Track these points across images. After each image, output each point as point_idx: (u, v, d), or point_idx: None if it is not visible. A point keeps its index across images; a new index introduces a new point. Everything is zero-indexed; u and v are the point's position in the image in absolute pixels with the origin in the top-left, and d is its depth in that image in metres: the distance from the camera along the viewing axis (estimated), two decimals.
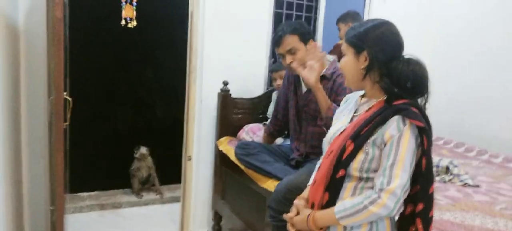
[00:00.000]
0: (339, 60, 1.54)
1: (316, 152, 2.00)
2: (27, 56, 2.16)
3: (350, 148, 1.22)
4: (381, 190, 1.17)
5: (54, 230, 1.99)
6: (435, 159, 2.33)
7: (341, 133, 1.29)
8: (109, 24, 3.35)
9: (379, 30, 1.24)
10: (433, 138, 3.15)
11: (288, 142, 2.35)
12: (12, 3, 1.92)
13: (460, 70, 3.34)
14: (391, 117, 1.18)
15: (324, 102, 1.84)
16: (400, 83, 1.20)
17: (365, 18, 3.25)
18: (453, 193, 1.98)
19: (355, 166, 1.22)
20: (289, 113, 2.17)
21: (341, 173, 1.24)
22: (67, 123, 1.81)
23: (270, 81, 2.89)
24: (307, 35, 1.97)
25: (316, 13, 3.11)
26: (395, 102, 1.20)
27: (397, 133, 1.17)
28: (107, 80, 3.74)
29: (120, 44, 3.66)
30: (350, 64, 1.28)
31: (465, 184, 2.10)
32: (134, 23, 2.45)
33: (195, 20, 2.66)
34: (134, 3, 2.41)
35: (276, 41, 1.99)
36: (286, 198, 1.73)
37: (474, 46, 3.24)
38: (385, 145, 1.19)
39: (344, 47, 1.31)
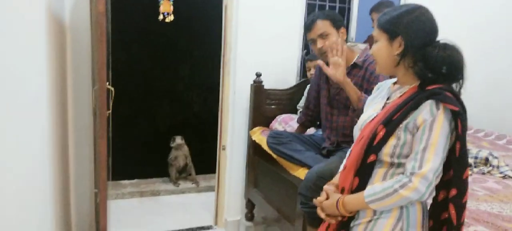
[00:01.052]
0: None
1: (347, 140, 2.00)
2: (72, 49, 2.32)
3: (381, 133, 1.21)
4: (412, 173, 1.16)
5: (98, 211, 2.13)
6: (474, 150, 2.25)
7: (373, 119, 1.29)
8: (147, 19, 3.51)
9: (413, 14, 1.22)
10: (473, 130, 3.05)
11: (320, 132, 2.37)
12: (59, 1, 2.07)
13: (501, 60, 3.18)
14: (424, 102, 1.17)
15: (354, 95, 1.84)
16: (435, 69, 1.18)
17: None
18: (491, 184, 1.92)
19: (386, 151, 1.22)
20: (321, 103, 2.18)
21: (372, 158, 1.23)
22: (110, 111, 1.93)
23: (303, 72, 2.90)
24: (338, 22, 1.97)
25: (349, 3, 3.08)
26: (428, 88, 1.19)
27: (430, 117, 1.16)
28: (146, 76, 3.92)
29: (157, 40, 3.83)
30: (384, 51, 1.27)
31: (505, 176, 2.03)
32: (172, 17, 2.54)
33: (229, 13, 2.72)
34: None
35: (308, 26, 1.99)
36: (317, 185, 1.75)
37: None
38: (417, 129, 1.18)
39: (377, 33, 1.29)
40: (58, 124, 2.01)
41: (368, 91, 1.82)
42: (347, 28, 3.03)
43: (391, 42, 1.25)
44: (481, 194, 1.78)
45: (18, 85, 1.27)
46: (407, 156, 1.21)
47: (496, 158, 2.15)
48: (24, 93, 1.35)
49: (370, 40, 2.70)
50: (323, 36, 1.95)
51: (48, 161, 1.75)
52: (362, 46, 2.12)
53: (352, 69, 1.97)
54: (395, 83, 1.33)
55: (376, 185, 1.23)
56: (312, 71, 2.64)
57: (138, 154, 3.96)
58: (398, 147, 1.21)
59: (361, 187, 1.26)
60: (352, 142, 1.44)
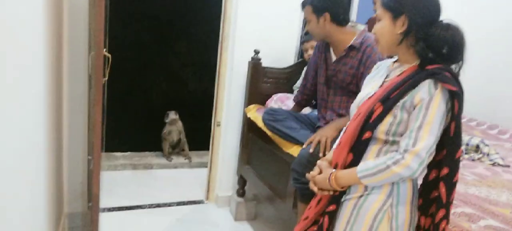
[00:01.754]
0: None
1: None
2: (69, 15, 2.28)
3: (378, 110, 1.22)
4: (405, 151, 1.18)
5: (91, 178, 2.13)
6: (465, 137, 2.28)
7: (371, 97, 1.30)
8: None
9: None
10: (466, 119, 3.08)
11: (315, 112, 2.38)
12: None
13: (495, 52, 3.20)
14: (423, 81, 1.18)
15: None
16: (436, 48, 1.19)
17: None
18: (481, 170, 1.95)
19: (382, 129, 1.23)
20: (318, 82, 2.19)
21: (367, 135, 1.25)
22: (106, 78, 1.91)
23: (301, 53, 2.89)
24: (320, 8, 1.94)
25: None
26: (428, 67, 1.20)
27: (428, 97, 1.17)
28: (142, 50, 3.88)
29: (155, 14, 3.78)
30: (387, 29, 1.27)
31: (495, 163, 2.06)
32: None
33: None
34: None
35: (301, 7, 2.04)
36: (310, 161, 1.77)
37: None
38: (414, 108, 1.19)
39: (380, 12, 1.29)
40: (53, 89, 1.99)
41: (364, 76, 1.82)
42: (348, 10, 3.02)
43: (395, 20, 1.25)
44: (470, 179, 1.81)
45: (15, 46, 1.25)
46: (402, 134, 1.22)
47: (487, 145, 2.18)
48: (21, 56, 1.33)
49: (370, 23, 2.69)
50: (307, 21, 2.01)
51: (42, 126, 1.74)
52: (362, 27, 2.11)
53: (350, 51, 1.97)
54: (395, 62, 1.34)
55: (369, 161, 1.25)
56: (310, 52, 2.63)
57: (132, 127, 3.96)
58: (394, 124, 1.22)
59: (355, 163, 1.28)
60: (348, 121, 1.45)
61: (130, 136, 3.97)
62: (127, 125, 3.91)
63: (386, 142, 1.25)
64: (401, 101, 1.20)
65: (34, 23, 1.52)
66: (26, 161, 1.52)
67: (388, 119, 1.22)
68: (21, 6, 1.32)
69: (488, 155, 2.12)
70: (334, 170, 1.34)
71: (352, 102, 1.42)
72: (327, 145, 1.82)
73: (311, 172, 1.42)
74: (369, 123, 1.24)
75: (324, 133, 1.87)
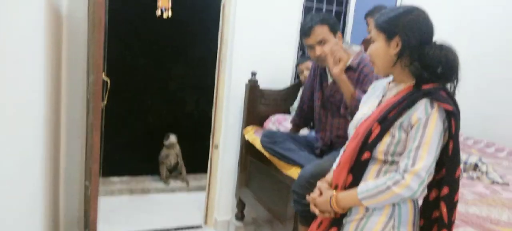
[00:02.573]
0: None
1: (340, 141, 2.01)
2: (68, 40, 2.30)
3: (376, 130, 1.23)
4: (405, 171, 1.18)
5: (88, 205, 2.11)
6: (463, 156, 2.29)
7: (368, 117, 1.30)
8: (143, 14, 3.50)
9: (411, 15, 1.25)
10: (463, 137, 3.09)
11: (313, 133, 2.38)
12: None
13: (491, 70, 3.25)
14: (419, 100, 1.19)
15: (348, 92, 1.85)
16: (431, 68, 1.21)
17: None
18: (480, 189, 1.95)
19: (381, 149, 1.23)
20: (315, 104, 2.20)
21: (366, 155, 1.25)
22: (105, 102, 1.91)
23: (297, 74, 2.92)
24: (336, 26, 1.97)
25: (346, 6, 3.11)
26: (424, 86, 1.21)
27: (424, 116, 1.18)
28: (139, 72, 3.90)
29: (152, 36, 3.82)
30: (381, 51, 1.28)
31: (493, 181, 2.06)
32: (170, 13, 2.53)
33: (227, 12, 2.73)
34: None
35: (305, 32, 1.95)
36: (310, 183, 1.76)
37: (509, 43, 3.14)
38: (411, 127, 1.19)
39: (374, 33, 1.31)
40: (51, 115, 1.99)
41: (361, 94, 1.83)
42: (343, 31, 3.08)
43: (389, 42, 1.27)
44: (470, 198, 1.80)
45: (16, 72, 1.26)
46: (400, 154, 1.22)
47: (485, 164, 2.19)
48: (21, 81, 1.34)
49: (365, 44, 2.73)
50: (322, 42, 1.92)
51: (40, 151, 1.73)
52: (357, 48, 2.14)
53: (346, 71, 1.98)
54: (391, 81, 1.35)
55: (369, 182, 1.25)
56: (305, 73, 2.66)
57: (129, 150, 3.93)
58: (392, 145, 1.22)
59: (355, 184, 1.28)
60: (345, 142, 1.46)
61: (127, 160, 3.94)
62: (124, 148, 3.89)
63: (385, 161, 1.26)
64: (399, 121, 1.21)
65: (36, 49, 1.54)
66: (25, 188, 1.50)
67: (386, 139, 1.23)
68: (24, 31, 1.33)
69: (486, 173, 2.12)
70: (334, 191, 1.33)
71: (349, 123, 1.42)
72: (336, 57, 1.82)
73: (311, 194, 1.41)
74: (368, 143, 1.25)
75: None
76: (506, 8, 3.19)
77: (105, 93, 1.94)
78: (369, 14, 2.92)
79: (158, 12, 2.53)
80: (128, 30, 3.71)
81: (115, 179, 3.87)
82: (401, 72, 1.29)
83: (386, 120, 1.23)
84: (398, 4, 3.25)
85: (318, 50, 1.94)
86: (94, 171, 1.94)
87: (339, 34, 1.98)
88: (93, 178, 1.96)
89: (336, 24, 1.99)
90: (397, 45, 1.25)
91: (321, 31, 1.92)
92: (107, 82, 1.94)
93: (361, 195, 1.24)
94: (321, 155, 2.10)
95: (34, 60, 1.52)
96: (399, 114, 1.21)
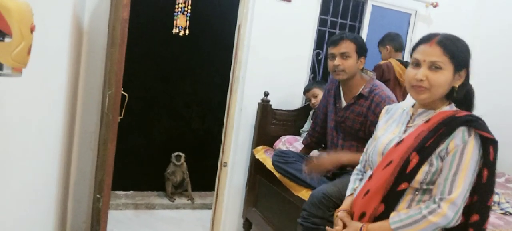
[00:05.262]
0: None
1: (352, 164, 2.02)
2: (87, 54, 2.34)
3: (414, 160, 1.20)
4: (441, 199, 1.16)
5: (98, 217, 2.10)
6: None
7: (398, 143, 1.26)
8: (158, 32, 3.56)
9: (469, 48, 1.26)
10: None
11: (324, 155, 2.38)
12: (81, 5, 2.11)
13: (499, 99, 3.26)
14: (458, 128, 1.18)
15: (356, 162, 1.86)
16: (470, 98, 1.27)
17: (409, 40, 3.26)
18: (493, 219, 1.94)
19: (418, 179, 1.20)
20: (328, 126, 2.21)
21: (403, 186, 1.22)
22: (121, 116, 1.94)
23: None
24: (362, 50, 2.01)
25: (358, 33, 3.16)
26: (459, 114, 1.21)
27: (462, 144, 1.17)
28: (147, 88, 3.93)
29: (163, 54, 3.87)
30: (447, 81, 1.22)
31: (506, 212, 2.05)
32: (187, 32, 2.59)
33: (242, 33, 2.78)
34: (188, 14, 2.56)
35: (335, 41, 2.02)
36: (322, 202, 1.77)
37: None
38: (447, 154, 1.18)
39: (443, 60, 1.21)
40: (67, 128, 2.01)
41: (373, 123, 1.84)
42: None
43: (457, 73, 1.24)
44: None
45: (43, 89, 1.28)
46: (435, 183, 1.20)
47: (497, 194, 2.18)
48: (46, 97, 1.36)
49: (377, 70, 2.76)
50: (344, 56, 1.98)
51: (56, 162, 1.74)
52: (371, 74, 2.17)
53: (358, 99, 2.01)
54: (413, 106, 1.34)
55: (402, 212, 1.21)
56: (313, 100, 2.69)
57: (134, 165, 3.93)
58: (430, 173, 1.20)
59: (386, 213, 1.24)
60: (356, 166, 1.46)
61: (133, 175, 3.93)
62: (130, 163, 3.89)
63: (418, 190, 1.22)
64: (438, 150, 1.19)
65: (60, 67, 1.57)
66: (37, 198, 1.51)
67: (424, 168, 1.20)
68: (52, 51, 1.36)
69: (498, 203, 2.12)
70: (361, 223, 1.28)
71: (362, 147, 1.42)
72: (325, 165, 1.94)
73: (335, 228, 1.35)
74: (406, 173, 1.21)
75: (340, 157, 1.95)
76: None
77: (122, 108, 1.96)
78: (379, 42, 2.97)
79: (175, 30, 2.58)
80: (136, 44, 3.75)
81: (120, 193, 3.86)
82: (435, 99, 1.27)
83: (424, 148, 1.20)
84: (410, 29, 3.29)
85: (338, 60, 2.00)
86: (107, 184, 1.95)
87: (362, 59, 2.02)
88: (105, 191, 1.97)
89: (365, 49, 2.03)
90: (461, 77, 1.25)
91: (348, 46, 1.99)
92: (124, 97, 1.97)
93: (395, 225, 1.20)
94: (332, 178, 2.10)
95: (58, 78, 1.55)
96: (438, 143, 1.19)
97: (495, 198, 2.16)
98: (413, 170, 1.20)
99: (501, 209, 2.09)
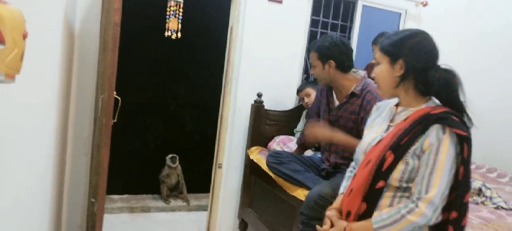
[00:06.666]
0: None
1: (346, 163, 2.03)
2: (79, 58, 2.33)
3: (390, 158, 1.22)
4: (418, 198, 1.18)
5: (93, 222, 2.10)
6: None
7: (379, 142, 1.30)
8: (150, 34, 3.56)
9: (415, 38, 1.27)
10: None
11: (318, 155, 2.40)
12: (72, 10, 2.10)
13: (492, 95, 3.30)
14: (431, 125, 1.19)
15: (349, 146, 1.89)
16: (433, 91, 1.24)
17: None
18: (485, 214, 1.97)
19: (395, 176, 1.23)
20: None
21: (381, 184, 1.24)
22: (115, 120, 1.93)
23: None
24: (325, 56, 2.02)
25: (350, 33, 3.18)
26: (435, 111, 1.22)
27: (436, 142, 1.18)
28: (140, 91, 3.93)
29: (156, 56, 3.87)
30: (385, 73, 1.31)
31: (498, 206, 2.08)
32: (179, 35, 2.59)
33: (234, 34, 2.79)
34: (180, 17, 2.56)
35: (307, 53, 2.15)
36: (318, 204, 1.78)
37: (510, 69, 3.21)
38: (423, 153, 1.19)
39: (379, 56, 1.33)
40: (59, 133, 2.00)
41: (364, 120, 1.85)
42: (352, 56, 3.11)
43: (393, 64, 1.29)
44: (476, 223, 1.82)
45: (35, 93, 1.28)
46: (414, 180, 1.22)
47: (489, 188, 2.21)
48: (38, 101, 1.36)
49: (369, 69, 2.78)
50: (312, 66, 2.13)
51: (50, 167, 1.74)
52: (362, 73, 2.19)
53: (351, 97, 2.03)
54: (397, 105, 1.35)
55: (383, 212, 1.24)
56: (306, 100, 2.71)
57: (129, 169, 3.91)
58: (406, 172, 1.22)
59: (369, 211, 1.26)
60: (350, 164, 1.47)
61: (127, 178, 3.91)
62: (124, 166, 3.87)
63: (398, 188, 1.25)
64: (412, 148, 1.21)
65: (51, 71, 1.56)
66: (32, 203, 1.50)
67: (400, 166, 1.22)
68: (43, 54, 1.36)
69: (490, 198, 2.15)
70: (346, 222, 1.31)
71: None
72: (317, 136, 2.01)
73: (323, 227, 1.38)
74: (382, 171, 1.23)
75: (334, 135, 1.99)
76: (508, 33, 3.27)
77: (116, 111, 1.96)
78: (373, 42, 2.98)
79: (167, 33, 2.58)
80: (133, 48, 3.75)
81: (115, 197, 3.84)
82: (405, 95, 1.29)
83: (399, 147, 1.22)
84: (400, 26, 3.32)
85: (311, 70, 2.19)
86: (102, 188, 1.94)
87: (330, 62, 2.02)
88: (100, 195, 1.96)
89: (327, 53, 2.03)
90: (401, 68, 1.27)
91: (312, 56, 2.10)
92: (118, 101, 1.96)
93: (376, 224, 1.23)
94: (327, 177, 2.12)
95: (49, 82, 1.55)
96: (412, 141, 1.21)
97: (488, 193, 2.20)
98: (389, 168, 1.22)
99: (493, 203, 2.12)
